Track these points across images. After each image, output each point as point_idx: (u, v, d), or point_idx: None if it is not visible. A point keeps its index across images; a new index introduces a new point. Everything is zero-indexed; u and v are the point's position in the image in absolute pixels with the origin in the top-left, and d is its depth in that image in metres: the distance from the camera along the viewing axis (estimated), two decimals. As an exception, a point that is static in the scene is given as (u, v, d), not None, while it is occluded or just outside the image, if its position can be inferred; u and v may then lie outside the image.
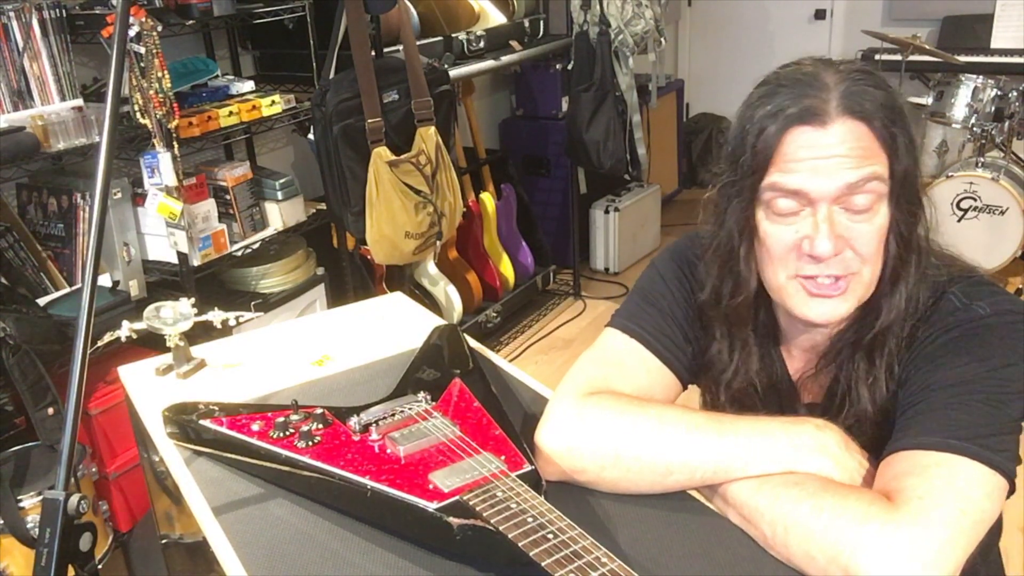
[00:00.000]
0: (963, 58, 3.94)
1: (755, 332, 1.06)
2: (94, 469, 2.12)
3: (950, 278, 0.97)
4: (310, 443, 0.95)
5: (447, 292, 3.11)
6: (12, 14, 1.98)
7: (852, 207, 0.91)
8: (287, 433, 0.98)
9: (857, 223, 0.92)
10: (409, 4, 2.92)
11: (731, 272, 1.02)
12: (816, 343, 1.05)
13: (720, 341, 1.06)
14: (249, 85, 2.54)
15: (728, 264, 1.02)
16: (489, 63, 3.25)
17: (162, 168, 2.12)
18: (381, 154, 2.52)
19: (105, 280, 2.20)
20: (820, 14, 4.96)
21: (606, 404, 0.97)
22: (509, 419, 0.98)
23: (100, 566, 2.06)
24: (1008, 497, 0.86)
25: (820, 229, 0.91)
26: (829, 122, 0.90)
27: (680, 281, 1.10)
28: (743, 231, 0.98)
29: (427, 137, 2.65)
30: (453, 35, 3.18)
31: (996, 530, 1.03)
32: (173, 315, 1.30)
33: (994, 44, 4.24)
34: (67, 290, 2.17)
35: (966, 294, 0.95)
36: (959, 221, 3.56)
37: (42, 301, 2.08)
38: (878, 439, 0.94)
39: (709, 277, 1.05)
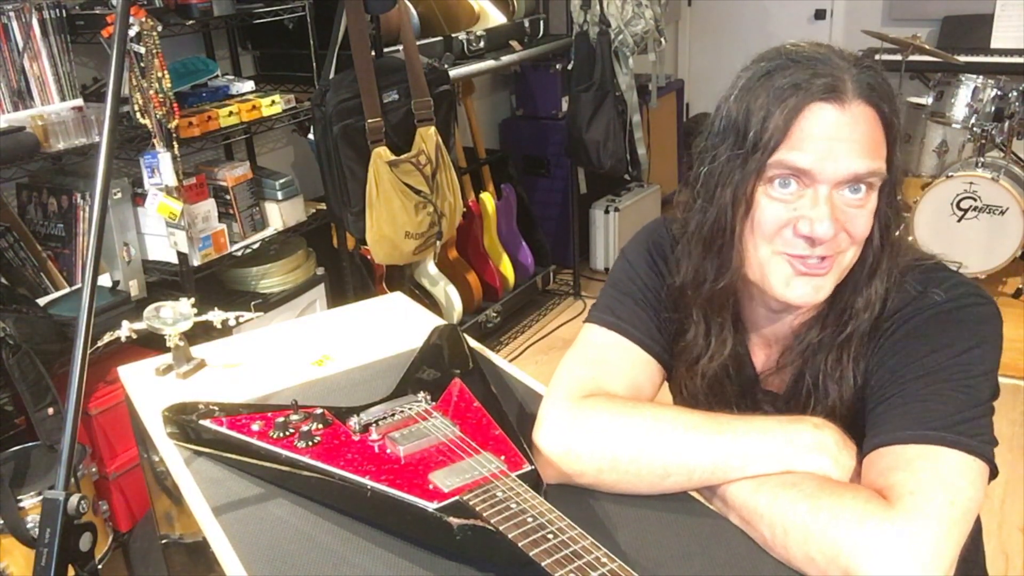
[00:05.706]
0: (963, 58, 3.94)
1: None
2: (94, 469, 2.12)
3: (906, 266, 0.97)
4: (310, 443, 0.95)
5: (447, 292, 3.11)
6: (12, 14, 1.98)
7: (850, 193, 0.91)
8: (287, 433, 0.97)
9: (853, 207, 0.92)
10: (409, 4, 2.92)
11: (718, 253, 0.98)
12: (780, 336, 1.04)
13: (696, 325, 1.04)
14: (249, 85, 2.54)
15: (715, 244, 0.97)
16: (489, 63, 3.25)
17: (162, 168, 2.12)
18: (381, 154, 2.52)
19: (105, 280, 2.20)
20: (820, 14, 4.95)
21: (601, 407, 0.96)
22: (509, 419, 0.98)
23: (100, 566, 2.06)
24: (991, 480, 0.86)
25: (822, 211, 0.90)
26: (847, 103, 0.89)
27: (650, 267, 1.10)
28: (739, 208, 0.93)
29: (427, 137, 2.65)
30: (453, 35, 3.17)
31: (976, 531, 1.03)
32: (173, 315, 1.30)
33: (994, 44, 4.23)
34: (67, 290, 2.17)
35: (921, 281, 0.96)
36: (959, 221, 3.55)
37: (42, 301, 2.08)
38: (848, 434, 0.94)
39: (688, 259, 1.01)
